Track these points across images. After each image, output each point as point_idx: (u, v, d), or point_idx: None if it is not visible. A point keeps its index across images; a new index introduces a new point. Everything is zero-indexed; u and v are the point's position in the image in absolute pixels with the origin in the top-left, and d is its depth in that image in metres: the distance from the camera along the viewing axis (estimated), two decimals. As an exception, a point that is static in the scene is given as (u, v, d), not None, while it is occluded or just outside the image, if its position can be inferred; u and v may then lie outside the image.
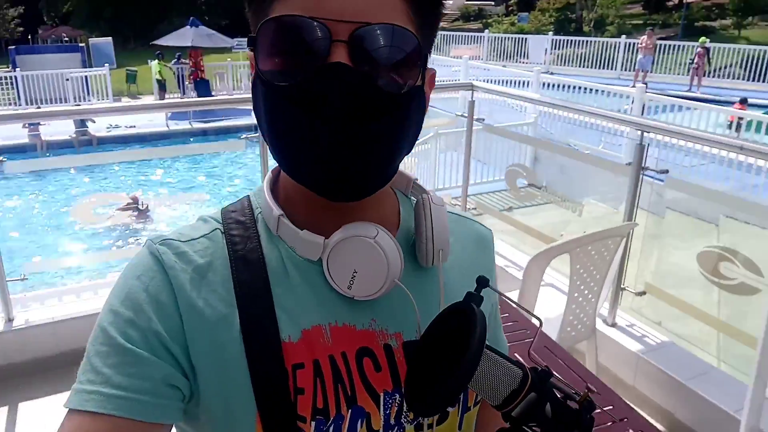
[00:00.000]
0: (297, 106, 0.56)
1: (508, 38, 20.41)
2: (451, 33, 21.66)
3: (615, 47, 18.11)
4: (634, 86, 11.56)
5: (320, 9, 0.55)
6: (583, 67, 18.47)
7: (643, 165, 2.69)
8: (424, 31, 0.60)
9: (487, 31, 21.75)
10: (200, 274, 0.63)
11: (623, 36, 18.66)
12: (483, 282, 0.62)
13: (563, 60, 19.14)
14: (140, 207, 7.38)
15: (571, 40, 19.23)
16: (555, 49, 19.16)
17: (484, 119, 4.04)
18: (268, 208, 0.67)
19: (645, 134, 2.72)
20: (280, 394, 0.60)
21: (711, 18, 24.93)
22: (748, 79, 16.17)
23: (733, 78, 16.42)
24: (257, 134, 3.43)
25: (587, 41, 19.07)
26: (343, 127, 0.55)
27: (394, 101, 0.57)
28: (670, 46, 17.86)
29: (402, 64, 0.57)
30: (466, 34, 21.53)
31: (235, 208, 0.71)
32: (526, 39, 19.74)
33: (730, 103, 11.51)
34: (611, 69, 18.01)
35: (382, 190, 0.64)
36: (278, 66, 0.57)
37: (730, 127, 9.85)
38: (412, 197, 0.75)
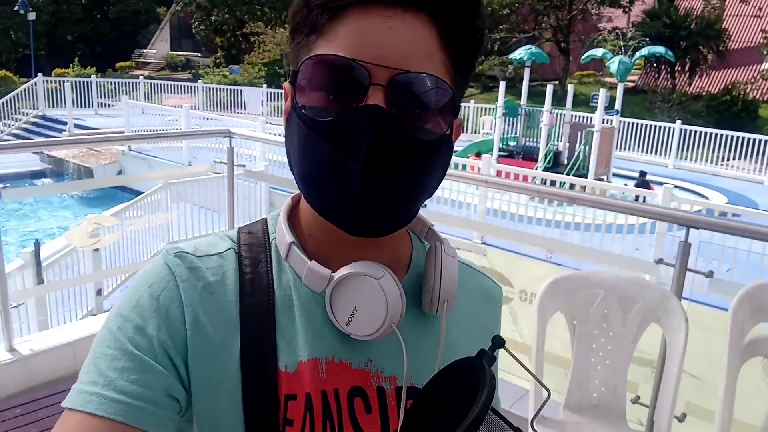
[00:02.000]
0: (329, 142, 0.58)
1: (223, 89, 20.59)
2: (163, 82, 20.99)
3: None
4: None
5: (363, 52, 0.57)
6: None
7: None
8: (458, 83, 0.63)
9: (200, 81, 21.57)
10: (209, 291, 0.63)
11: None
12: (499, 342, 0.61)
13: (278, 111, 19.98)
14: None
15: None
16: (270, 101, 19.92)
17: (245, 165, 4.06)
18: (282, 234, 0.67)
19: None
20: (269, 423, 0.60)
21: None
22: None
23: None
24: None
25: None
26: (372, 167, 0.57)
27: (423, 147, 0.60)
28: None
29: (434, 113, 0.60)
30: (179, 83, 21.06)
31: (251, 229, 0.71)
32: (242, 90, 20.14)
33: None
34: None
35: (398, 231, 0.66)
36: (316, 102, 0.59)
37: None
38: (427, 242, 0.75)
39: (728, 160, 14.89)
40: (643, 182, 10.96)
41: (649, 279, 2.39)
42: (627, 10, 25.19)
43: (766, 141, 14.11)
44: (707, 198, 12.24)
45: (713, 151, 15.02)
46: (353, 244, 0.64)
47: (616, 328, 2.25)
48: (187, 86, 20.69)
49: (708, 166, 15.02)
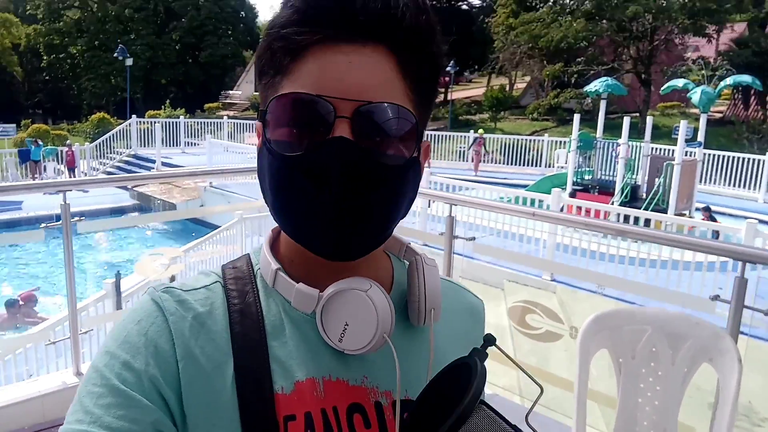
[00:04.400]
0: (301, 174, 0.61)
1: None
2: (246, 121, 22.01)
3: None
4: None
5: (326, 88, 0.60)
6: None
7: (454, 234, 3.04)
8: (421, 107, 0.66)
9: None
10: (200, 322, 0.64)
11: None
12: (490, 340, 0.64)
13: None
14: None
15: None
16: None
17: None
18: (267, 263, 0.70)
19: (453, 207, 3.08)
20: None
21: (471, 113, 28.69)
22: (507, 164, 18.82)
23: (495, 163, 18.96)
24: (59, 222, 3.17)
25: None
26: (344, 196, 0.59)
27: (391, 173, 0.62)
28: (443, 136, 20.14)
29: (400, 139, 0.62)
30: (260, 122, 22.00)
31: (235, 264, 0.73)
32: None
33: (514, 185, 13.36)
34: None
35: (376, 252, 0.68)
36: (285, 137, 0.62)
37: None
38: (406, 261, 0.78)
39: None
40: (709, 218, 10.39)
41: (703, 317, 2.28)
42: (712, 39, 24.23)
43: None
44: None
45: (809, 184, 14.04)
46: (334, 267, 0.66)
47: (665, 367, 2.14)
48: (267, 125, 21.53)
49: (803, 200, 14.04)
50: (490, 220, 6.98)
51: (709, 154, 15.03)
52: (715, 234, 7.62)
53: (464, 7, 39.28)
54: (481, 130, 18.85)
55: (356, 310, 0.63)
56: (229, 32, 34.41)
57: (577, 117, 13.69)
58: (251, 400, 0.61)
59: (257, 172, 0.68)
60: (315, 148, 0.60)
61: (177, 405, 0.60)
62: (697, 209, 11.00)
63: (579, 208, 8.96)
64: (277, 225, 0.72)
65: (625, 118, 13.09)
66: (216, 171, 5.75)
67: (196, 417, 0.61)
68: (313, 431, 0.63)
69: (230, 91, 36.83)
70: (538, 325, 2.81)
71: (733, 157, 15.11)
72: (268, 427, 0.61)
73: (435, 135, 19.66)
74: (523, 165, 18.75)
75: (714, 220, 9.98)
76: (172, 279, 5.97)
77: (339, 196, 0.59)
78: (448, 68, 24.97)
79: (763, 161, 14.48)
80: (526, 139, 19.34)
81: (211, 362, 0.62)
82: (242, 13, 36.37)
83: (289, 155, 0.61)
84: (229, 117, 23.80)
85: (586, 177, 14.03)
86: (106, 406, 0.58)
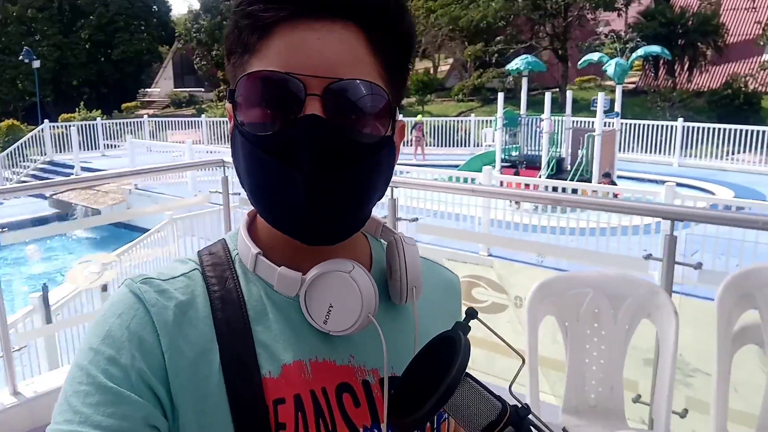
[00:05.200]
0: (273, 155, 0.60)
1: (226, 122, 20.83)
2: (167, 119, 21.28)
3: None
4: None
5: (296, 65, 0.59)
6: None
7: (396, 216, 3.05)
8: (393, 85, 0.65)
9: (204, 115, 21.85)
10: (182, 310, 0.63)
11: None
12: (472, 314, 0.65)
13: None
14: None
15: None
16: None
17: (239, 193, 4.10)
18: (246, 248, 0.69)
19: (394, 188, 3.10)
20: (261, 429, 0.61)
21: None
22: (437, 146, 19.03)
23: (427, 145, 19.13)
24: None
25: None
26: (317, 175, 0.59)
27: (365, 150, 0.62)
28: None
29: (372, 116, 0.62)
30: (182, 119, 21.34)
31: (211, 250, 0.72)
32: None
33: (445, 166, 13.59)
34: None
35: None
36: (256, 118, 0.61)
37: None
38: (382, 240, 0.78)
39: (734, 154, 14.78)
40: (610, 183, 10.94)
41: (640, 275, 2.41)
42: (622, 13, 25.26)
43: (770, 132, 14.01)
44: (713, 194, 12.13)
45: (718, 146, 14.93)
46: (313, 250, 0.65)
47: (608, 326, 2.24)
48: (191, 122, 20.95)
49: (714, 161, 14.91)
50: (426, 200, 7.06)
51: (626, 124, 15.71)
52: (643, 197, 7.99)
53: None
54: (419, 116, 18.93)
55: (340, 292, 0.63)
56: (142, 27, 33.02)
57: (501, 96, 13.99)
58: (239, 385, 0.61)
59: (232, 157, 0.67)
60: (286, 127, 0.59)
61: (166, 397, 0.60)
62: (605, 174, 11.50)
63: (512, 183, 9.17)
64: (252, 209, 0.71)
65: (546, 93, 13.49)
66: (144, 171, 5.53)
67: (185, 407, 0.60)
68: (304, 413, 0.63)
69: (148, 89, 35.50)
70: (484, 297, 2.87)
71: (648, 125, 15.86)
72: (258, 412, 0.61)
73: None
74: (453, 146, 19.03)
75: (614, 184, 10.56)
76: (104, 288, 5.72)
77: (311, 176, 0.59)
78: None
79: (675, 127, 15.27)
80: (453, 121, 19.62)
81: (197, 351, 0.62)
82: (154, 7, 34.98)
83: (260, 135, 0.60)
84: (150, 116, 22.96)
85: (514, 153, 14.40)
86: (95, 405, 0.57)
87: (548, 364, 2.68)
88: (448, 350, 0.61)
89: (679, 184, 10.88)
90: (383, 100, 0.62)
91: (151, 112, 27.75)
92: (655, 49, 14.81)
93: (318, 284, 0.64)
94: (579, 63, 15.38)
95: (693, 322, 2.97)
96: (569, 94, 14.47)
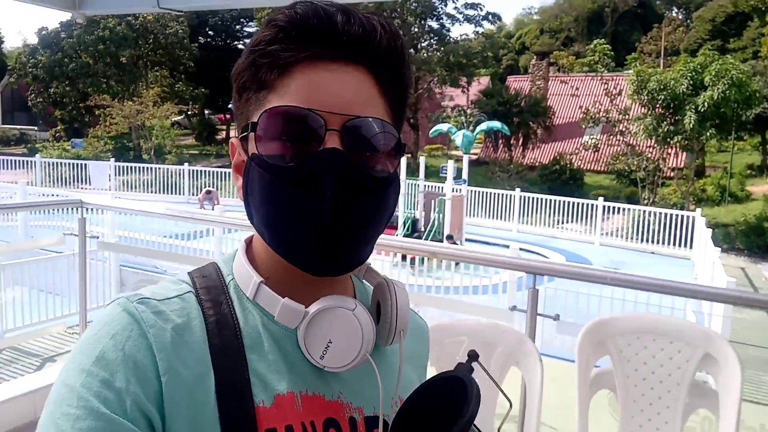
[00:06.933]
0: (294, 185, 0.62)
1: (65, 163, 19.35)
2: (-6, 157, 19.27)
3: (180, 174, 19.11)
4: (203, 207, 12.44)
5: (315, 102, 0.63)
6: (151, 192, 18.82)
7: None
8: (397, 124, 0.70)
9: (38, 155, 20.11)
10: (179, 333, 0.63)
11: (185, 164, 19.84)
12: (474, 356, 0.67)
13: (128, 186, 19.11)
14: None
15: (136, 167, 19.46)
16: (118, 175, 18.98)
17: (98, 236, 3.84)
18: (246, 275, 0.69)
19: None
20: None
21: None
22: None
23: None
24: None
25: (151, 168, 19.61)
26: (338, 204, 0.62)
27: (379, 184, 0.65)
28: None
29: (384, 153, 0.66)
30: (13, 158, 19.44)
31: (203, 273, 0.71)
32: (86, 164, 19.04)
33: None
34: (179, 194, 18.83)
35: None
36: (276, 150, 0.63)
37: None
38: (365, 281, 0.80)
39: (563, 223, 16.44)
40: (453, 244, 11.74)
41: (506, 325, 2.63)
42: (465, 90, 27.61)
43: (592, 205, 15.82)
44: (548, 258, 13.37)
45: (549, 215, 16.53)
46: (310, 284, 0.67)
47: (480, 374, 2.39)
48: (23, 161, 19.18)
49: (546, 229, 16.46)
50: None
51: (472, 191, 16.94)
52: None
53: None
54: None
55: (341, 329, 0.65)
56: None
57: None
58: (233, 414, 0.61)
59: (241, 189, 0.68)
60: (306, 159, 0.62)
61: (160, 423, 0.58)
62: (448, 236, 12.26)
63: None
64: (248, 237, 0.73)
65: (402, 158, 14.16)
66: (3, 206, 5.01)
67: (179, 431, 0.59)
68: None
69: (-29, 123, 32.06)
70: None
71: (491, 193, 17.22)
72: None
73: (220, 172, 19.23)
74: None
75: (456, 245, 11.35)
76: None
77: (334, 203, 0.61)
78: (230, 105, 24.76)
79: (513, 196, 16.73)
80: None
81: (194, 375, 0.61)
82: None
83: (281, 166, 0.63)
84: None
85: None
86: (86, 430, 0.55)
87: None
88: (457, 394, 0.62)
89: (523, 249, 11.87)
90: (394, 138, 0.67)
91: (-26, 147, 24.95)
92: (496, 124, 16.32)
93: (319, 319, 0.65)
94: (430, 132, 16.52)
95: (557, 379, 3.23)
96: (422, 159, 15.37)
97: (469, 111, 24.11)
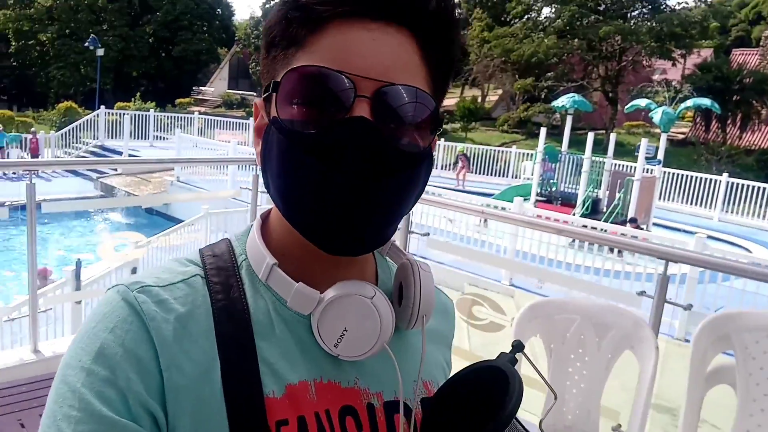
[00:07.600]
0: (314, 155, 0.56)
1: (272, 126, 21.38)
2: (217, 118, 21.93)
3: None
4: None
5: (347, 64, 0.56)
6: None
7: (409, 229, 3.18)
8: (438, 97, 0.62)
9: (251, 119, 22.43)
10: (182, 323, 0.59)
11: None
12: (519, 346, 0.63)
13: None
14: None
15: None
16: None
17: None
18: (259, 256, 0.64)
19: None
20: None
21: (443, 122, 29.02)
22: (476, 173, 19.13)
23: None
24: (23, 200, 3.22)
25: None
26: (360, 180, 0.55)
27: (408, 160, 0.59)
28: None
29: (419, 126, 0.59)
30: (231, 120, 21.95)
31: (214, 252, 0.67)
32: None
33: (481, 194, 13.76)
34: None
35: None
36: (298, 115, 0.57)
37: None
38: (388, 258, 0.75)
39: (777, 215, 14.46)
40: (636, 228, 10.90)
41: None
42: (678, 63, 25.04)
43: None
44: (750, 251, 11.89)
45: (761, 205, 14.62)
46: (327, 263, 0.63)
47: (591, 353, 2.32)
48: (240, 123, 21.52)
49: (756, 220, 14.60)
50: (460, 223, 7.16)
51: (669, 173, 15.54)
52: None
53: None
54: (462, 146, 19.12)
55: (358, 318, 0.61)
56: (204, 28, 34.19)
57: (543, 130, 14.06)
58: (240, 406, 0.57)
59: (260, 155, 0.63)
60: (331, 128, 0.56)
61: (163, 419, 0.56)
62: (631, 219, 11.43)
63: (540, 216, 9.22)
64: (265, 212, 0.69)
65: (589, 133, 13.49)
66: (181, 160, 5.81)
67: (183, 428, 0.56)
68: None
69: (203, 88, 36.56)
70: (483, 316, 2.98)
71: (691, 176, 15.66)
72: None
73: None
74: (491, 175, 19.08)
75: (640, 229, 10.66)
76: (134, 271, 5.99)
77: (355, 180, 0.56)
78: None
79: (719, 181, 15.03)
80: (495, 150, 19.71)
81: (197, 367, 0.57)
82: (218, 10, 36.19)
83: (301, 133, 0.57)
84: (201, 113, 23.67)
85: (552, 189, 14.40)
86: None
87: (528, 382, 2.78)
88: (497, 385, 0.59)
89: (716, 239, 10.75)
90: (431, 110, 0.60)
91: (202, 109, 28.58)
92: (705, 101, 14.66)
93: (335, 306, 0.60)
94: (626, 107, 15.34)
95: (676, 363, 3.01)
96: (613, 136, 14.42)
97: (678, 86, 21.91)
